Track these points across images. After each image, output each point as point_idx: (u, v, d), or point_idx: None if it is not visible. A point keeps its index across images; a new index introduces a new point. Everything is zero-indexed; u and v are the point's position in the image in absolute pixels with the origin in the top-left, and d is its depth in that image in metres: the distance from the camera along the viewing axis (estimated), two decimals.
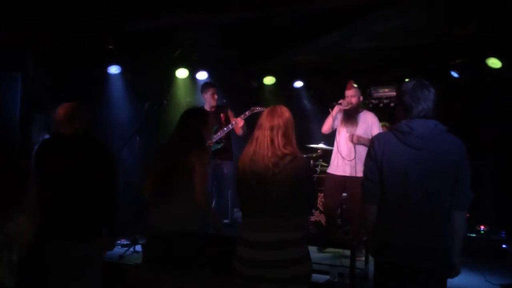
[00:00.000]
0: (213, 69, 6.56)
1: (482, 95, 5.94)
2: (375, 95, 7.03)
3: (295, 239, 2.42)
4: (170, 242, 2.78)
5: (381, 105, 6.89)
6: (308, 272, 2.47)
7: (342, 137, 4.93)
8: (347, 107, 4.88)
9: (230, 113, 5.48)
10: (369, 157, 2.51)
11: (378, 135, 2.59)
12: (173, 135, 3.01)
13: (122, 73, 6.30)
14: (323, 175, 6.71)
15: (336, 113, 4.92)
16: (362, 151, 4.69)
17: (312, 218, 6.35)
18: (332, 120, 4.93)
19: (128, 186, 5.56)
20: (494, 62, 5.40)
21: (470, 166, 2.41)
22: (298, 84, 7.19)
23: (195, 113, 3.10)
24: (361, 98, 5.00)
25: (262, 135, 2.51)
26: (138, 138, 5.37)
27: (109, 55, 5.95)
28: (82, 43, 5.31)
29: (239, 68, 6.84)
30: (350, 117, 4.90)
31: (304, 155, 6.88)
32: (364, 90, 7.12)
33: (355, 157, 4.76)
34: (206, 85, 5.56)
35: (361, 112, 4.97)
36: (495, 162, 5.69)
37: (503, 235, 5.41)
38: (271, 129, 2.50)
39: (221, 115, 5.36)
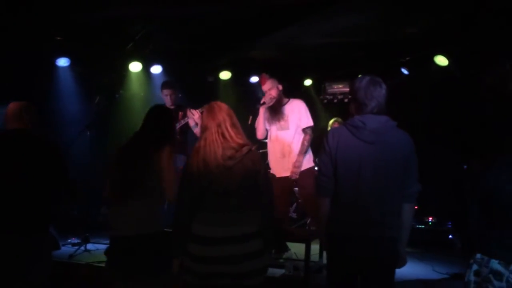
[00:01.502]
0: (168, 63, 6.43)
1: (430, 91, 6.17)
2: (330, 90, 7.15)
3: (253, 232, 2.42)
4: (135, 244, 2.71)
5: (335, 100, 7.03)
6: (264, 266, 2.48)
7: (273, 135, 4.64)
8: (271, 103, 4.53)
9: (188, 113, 5.40)
10: (323, 151, 2.54)
11: (332, 129, 2.63)
12: (137, 132, 2.92)
13: (71, 65, 6.06)
14: None
15: (263, 114, 4.58)
16: (296, 144, 4.52)
17: None
18: (262, 123, 4.61)
19: (78, 183, 5.36)
20: (441, 60, 5.60)
21: (418, 160, 2.50)
22: (254, 79, 7.19)
23: (162, 111, 3.02)
24: (280, 87, 4.58)
25: (211, 133, 2.48)
26: (88, 134, 5.19)
27: (58, 46, 5.70)
28: (28, 34, 5.06)
29: (195, 63, 6.75)
30: (276, 112, 4.58)
31: (261, 151, 6.93)
32: (318, 86, 7.25)
33: (290, 153, 4.54)
34: (163, 85, 5.48)
35: (287, 102, 4.63)
36: (442, 156, 5.92)
37: (450, 226, 5.66)
38: (218, 125, 2.48)
39: (180, 112, 5.27)
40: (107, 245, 2.88)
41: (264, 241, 2.47)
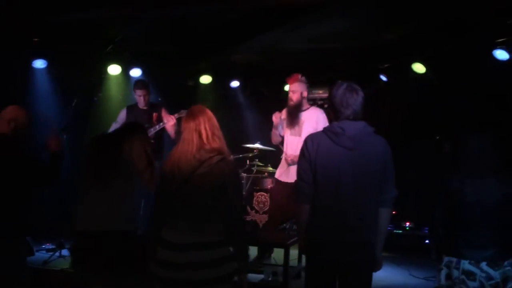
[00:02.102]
0: (147, 66, 6.37)
1: (408, 98, 6.26)
2: (309, 96, 7.17)
3: (216, 241, 2.40)
4: (103, 242, 2.67)
5: (315, 106, 7.06)
6: (228, 273, 2.43)
7: (288, 139, 4.60)
8: (291, 105, 4.46)
9: (163, 112, 5.29)
10: (302, 157, 2.55)
11: (311, 135, 2.64)
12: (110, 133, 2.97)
13: (48, 67, 5.95)
14: (259, 175, 6.77)
15: (278, 120, 4.55)
16: None
17: (248, 218, 6.37)
18: (277, 129, 4.59)
19: (53, 188, 5.26)
20: (418, 67, 5.70)
21: (396, 166, 2.53)
22: (235, 83, 7.18)
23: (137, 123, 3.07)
24: (305, 94, 4.53)
25: (188, 133, 2.47)
26: (65, 137, 5.09)
27: (34, 48, 5.59)
28: (4, 35, 4.95)
29: (175, 66, 6.71)
30: (293, 116, 4.50)
31: (240, 155, 6.89)
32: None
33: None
34: (135, 84, 5.35)
35: (307, 109, 4.58)
36: (419, 162, 6.01)
37: (426, 231, 5.73)
38: (196, 127, 2.47)
39: (154, 114, 5.16)
40: (73, 243, 2.82)
41: (234, 251, 2.45)
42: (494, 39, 4.81)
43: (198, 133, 2.46)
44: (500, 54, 4.80)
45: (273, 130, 4.65)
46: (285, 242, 3.99)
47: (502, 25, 4.64)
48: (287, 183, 4.61)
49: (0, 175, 2.89)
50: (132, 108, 5.31)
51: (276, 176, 4.87)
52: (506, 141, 3.54)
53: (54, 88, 6.09)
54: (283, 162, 4.75)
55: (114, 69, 6.14)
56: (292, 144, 4.53)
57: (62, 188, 5.35)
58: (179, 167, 2.42)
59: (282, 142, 4.71)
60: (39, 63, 5.86)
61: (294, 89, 4.48)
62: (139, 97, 5.23)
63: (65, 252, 4.86)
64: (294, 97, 4.47)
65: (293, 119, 4.50)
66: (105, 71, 6.15)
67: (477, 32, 4.86)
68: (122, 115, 5.28)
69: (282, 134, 4.65)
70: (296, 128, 4.52)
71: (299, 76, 4.54)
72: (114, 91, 6.49)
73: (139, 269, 2.69)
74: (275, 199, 4.96)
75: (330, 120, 2.59)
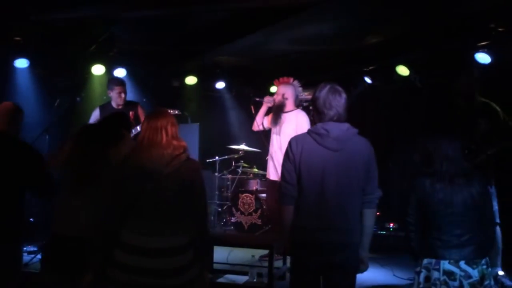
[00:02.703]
0: (132, 66, 6.32)
1: (391, 101, 6.32)
2: None
3: (184, 244, 2.36)
4: (82, 246, 2.58)
5: (300, 108, 7.09)
6: (191, 279, 2.39)
7: (271, 137, 4.81)
8: (269, 104, 4.73)
9: (140, 111, 5.07)
10: (287, 159, 2.55)
11: (296, 137, 2.64)
12: (92, 129, 2.90)
13: (30, 67, 5.86)
14: (244, 176, 6.77)
15: (264, 110, 4.80)
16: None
17: (233, 220, 6.36)
18: (260, 117, 4.80)
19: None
20: (402, 70, 5.76)
21: (379, 167, 2.55)
22: (220, 85, 7.17)
23: (120, 117, 3.01)
24: (286, 96, 4.65)
25: (154, 132, 2.42)
26: (47, 137, 5.02)
27: (16, 47, 5.50)
28: None
29: (160, 67, 6.67)
30: (275, 115, 4.70)
31: (226, 156, 6.87)
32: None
33: (278, 159, 4.65)
34: (112, 81, 5.09)
35: (291, 111, 4.70)
36: (402, 163, 6.07)
37: None
38: (162, 126, 2.43)
39: (130, 112, 4.92)
40: (46, 242, 2.76)
41: (195, 252, 2.42)
42: (476, 42, 4.88)
43: (165, 131, 2.42)
44: (482, 58, 4.87)
45: (259, 115, 4.86)
46: (270, 243, 3.98)
47: (484, 28, 4.72)
48: (271, 180, 4.82)
49: (5, 175, 2.83)
50: (105, 108, 5.03)
51: (267, 176, 5.01)
52: (480, 146, 3.61)
53: (36, 88, 6.00)
54: (269, 161, 4.88)
55: (97, 69, 6.08)
56: (273, 141, 4.79)
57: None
58: (147, 166, 2.35)
59: (264, 138, 4.96)
60: (21, 63, 5.76)
61: (278, 91, 4.74)
62: (118, 94, 4.95)
63: None
64: (276, 98, 4.73)
65: (276, 118, 4.73)
66: (88, 71, 6.08)
67: (459, 36, 4.93)
68: (95, 116, 5.03)
69: (265, 125, 4.87)
70: (278, 127, 4.74)
71: (288, 78, 4.79)
72: (97, 91, 6.41)
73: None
74: (269, 199, 5.11)
75: (314, 122, 2.59)
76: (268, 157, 4.88)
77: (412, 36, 5.15)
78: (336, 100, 2.51)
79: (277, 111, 4.71)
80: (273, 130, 4.78)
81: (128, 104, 5.07)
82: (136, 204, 2.37)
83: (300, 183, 2.49)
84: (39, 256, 4.70)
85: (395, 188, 5.90)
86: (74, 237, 2.59)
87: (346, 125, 2.52)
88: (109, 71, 6.23)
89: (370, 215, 2.53)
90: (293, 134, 4.47)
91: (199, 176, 2.47)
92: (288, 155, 2.54)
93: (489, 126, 3.72)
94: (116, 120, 2.93)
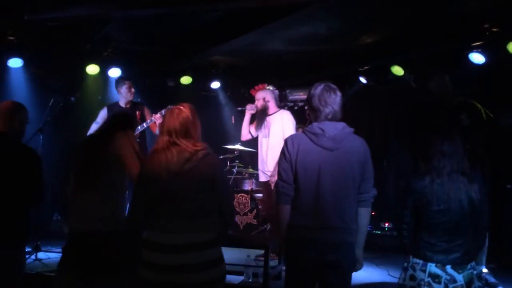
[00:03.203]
0: (127, 66, 6.30)
1: (386, 100, 6.35)
2: (291, 97, 7.23)
3: (210, 240, 2.36)
4: (95, 243, 2.64)
5: (296, 107, 7.11)
6: (222, 275, 2.42)
7: (259, 141, 4.91)
8: (252, 111, 4.80)
9: (146, 111, 5.25)
10: (283, 158, 2.55)
11: (292, 136, 2.64)
12: (96, 131, 2.95)
13: (24, 66, 5.82)
14: (239, 176, 6.76)
15: (247, 119, 4.87)
16: (275, 152, 4.61)
17: None
18: (246, 127, 4.90)
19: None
20: (397, 70, 5.78)
21: (375, 167, 2.56)
22: (215, 84, 7.16)
23: (124, 116, 3.04)
24: (267, 99, 4.80)
25: (163, 139, 2.42)
26: (41, 137, 4.99)
27: (10, 47, 5.46)
28: None
29: (155, 67, 6.65)
30: (261, 120, 4.84)
31: (221, 156, 6.87)
32: (280, 93, 7.30)
33: (268, 160, 4.74)
34: (121, 79, 5.31)
35: (276, 112, 4.82)
36: (397, 163, 6.10)
37: None
38: (169, 133, 2.41)
39: (137, 112, 5.12)
40: (66, 243, 2.78)
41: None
42: (471, 42, 4.91)
43: (175, 140, 2.40)
44: (476, 58, 4.90)
45: (244, 125, 4.93)
46: (266, 243, 3.98)
47: (478, 29, 4.74)
48: (263, 182, 4.92)
49: (5, 179, 2.77)
50: (113, 107, 5.21)
51: (260, 179, 5.06)
52: (476, 145, 3.63)
53: (30, 87, 5.97)
54: (258, 160, 4.98)
55: (92, 69, 6.05)
56: (262, 145, 4.86)
57: None
58: (167, 164, 2.36)
59: (254, 141, 5.03)
60: (15, 62, 5.73)
61: (257, 96, 4.86)
62: (128, 89, 5.11)
63: (41, 255, 4.76)
64: (258, 104, 4.84)
65: (261, 122, 4.85)
66: (83, 71, 6.05)
67: (454, 36, 4.95)
68: (102, 115, 5.18)
69: (253, 133, 4.95)
70: (265, 130, 4.83)
71: (260, 85, 4.94)
72: (92, 91, 6.39)
73: (124, 269, 2.66)
74: (264, 201, 5.21)
75: (310, 121, 2.60)
76: (259, 160, 4.95)
77: (407, 37, 5.17)
78: (331, 98, 2.52)
79: (261, 116, 4.84)
80: (261, 134, 4.88)
81: (134, 105, 5.26)
82: (158, 203, 2.37)
83: (296, 182, 2.50)
84: (33, 257, 4.69)
85: (390, 188, 5.93)
86: (89, 231, 2.64)
87: (341, 124, 2.53)
88: (104, 70, 6.21)
89: (365, 214, 2.54)
90: (281, 134, 4.62)
91: (220, 171, 2.47)
92: (284, 154, 2.55)
93: (470, 121, 3.75)
94: (117, 120, 2.94)
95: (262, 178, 4.91)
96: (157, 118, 4.97)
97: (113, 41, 5.70)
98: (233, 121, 5.05)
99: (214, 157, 2.48)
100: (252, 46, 5.74)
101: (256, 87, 4.92)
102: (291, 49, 5.89)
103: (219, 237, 2.42)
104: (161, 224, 2.36)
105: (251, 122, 4.96)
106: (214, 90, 7.36)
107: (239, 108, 5.01)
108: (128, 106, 5.19)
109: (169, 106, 5.00)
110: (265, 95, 4.83)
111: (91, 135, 2.94)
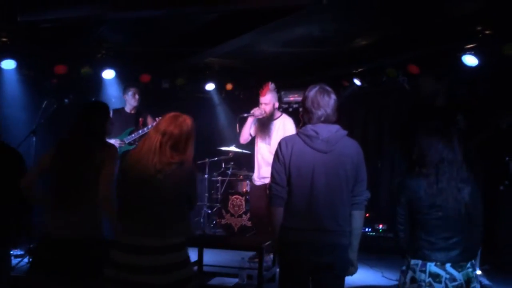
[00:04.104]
0: (120, 68, 6.28)
1: (381, 102, 6.36)
2: (285, 99, 7.22)
3: (177, 243, 2.38)
4: (72, 249, 2.60)
5: (290, 109, 7.10)
6: (189, 276, 2.42)
7: (257, 145, 4.78)
8: (260, 117, 4.59)
9: (149, 119, 5.39)
10: (277, 160, 2.55)
11: (285, 138, 2.64)
12: (74, 131, 2.81)
13: (17, 68, 5.79)
14: (234, 178, 6.76)
15: (250, 123, 4.66)
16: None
17: (223, 222, 6.34)
18: (248, 131, 4.69)
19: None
20: (392, 72, 5.79)
21: (369, 169, 2.56)
22: (210, 86, 7.15)
23: (98, 107, 2.94)
24: (277, 105, 4.66)
25: (154, 137, 2.40)
26: (34, 139, 4.96)
27: (3, 48, 5.43)
28: None
29: (149, 68, 6.63)
30: (264, 127, 4.64)
31: (216, 158, 6.84)
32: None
33: (267, 165, 4.60)
34: (127, 85, 5.53)
35: (278, 117, 4.67)
36: (391, 164, 6.10)
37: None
38: (163, 134, 2.39)
39: (140, 119, 5.31)
40: (37, 245, 2.73)
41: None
42: (464, 45, 4.93)
43: (160, 145, 2.38)
44: (469, 60, 4.92)
45: (245, 129, 4.71)
46: (260, 245, 3.98)
47: (471, 31, 4.77)
48: (258, 185, 4.82)
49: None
50: (118, 112, 5.38)
51: (253, 179, 5.02)
52: (471, 146, 3.65)
53: (23, 89, 5.94)
54: (255, 164, 4.89)
55: (86, 70, 6.02)
56: (263, 151, 4.71)
57: None
58: (141, 166, 2.36)
59: (252, 143, 4.88)
60: (8, 64, 5.69)
61: (267, 101, 4.55)
62: (133, 95, 5.34)
63: None
64: (267, 108, 4.56)
65: (265, 128, 4.64)
66: (77, 72, 6.02)
67: (447, 38, 4.97)
68: None
69: (253, 134, 4.77)
70: (267, 137, 4.67)
71: (270, 85, 4.61)
72: (86, 92, 6.36)
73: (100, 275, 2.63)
74: (253, 201, 5.11)
75: (304, 123, 2.60)
76: (256, 164, 4.84)
77: (401, 39, 5.19)
78: (325, 100, 2.52)
79: (267, 121, 4.63)
80: (261, 138, 4.70)
81: (140, 111, 5.43)
82: (131, 206, 2.38)
83: (289, 184, 2.50)
84: (25, 260, 4.65)
85: (384, 189, 5.94)
86: (68, 239, 2.60)
87: (335, 127, 2.53)
88: (98, 72, 6.19)
89: (359, 217, 2.54)
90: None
91: (190, 181, 2.47)
92: (278, 157, 2.55)
93: (466, 122, 3.77)
94: (95, 113, 2.85)
95: (258, 182, 4.83)
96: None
97: (107, 43, 5.68)
98: (237, 130, 4.74)
99: (188, 168, 2.45)
100: (247, 48, 5.73)
101: (265, 88, 4.58)
102: (285, 51, 5.89)
103: (187, 241, 2.44)
104: (128, 225, 2.38)
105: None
106: (209, 92, 7.35)
107: (245, 115, 4.69)
108: (132, 112, 5.38)
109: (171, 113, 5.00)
110: (274, 99, 4.60)
111: (71, 140, 2.81)
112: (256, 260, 4.11)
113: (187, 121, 2.47)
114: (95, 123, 2.81)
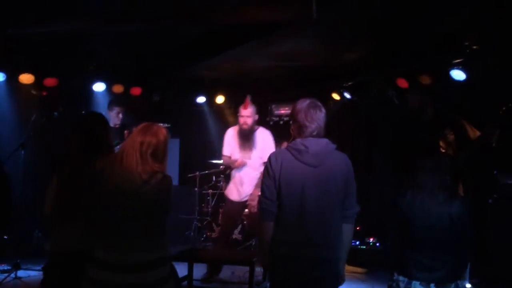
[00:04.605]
0: (111, 81, 6.27)
1: (371, 116, 6.40)
2: (276, 112, 7.26)
3: (158, 258, 2.33)
4: (79, 262, 2.52)
5: (281, 122, 7.13)
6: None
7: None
8: (243, 129, 4.56)
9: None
10: (266, 174, 2.55)
11: (275, 153, 2.65)
12: (75, 143, 2.75)
13: (7, 80, 5.76)
14: (224, 191, 6.72)
15: (231, 139, 4.65)
16: (255, 174, 4.59)
17: (213, 235, 6.30)
18: (228, 149, 4.69)
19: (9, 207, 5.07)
20: (381, 86, 5.83)
21: (358, 182, 2.57)
22: (201, 99, 7.16)
23: (96, 118, 2.87)
24: (257, 117, 4.64)
25: (132, 147, 2.36)
26: (23, 152, 4.91)
27: None
28: None
29: (139, 82, 6.63)
30: (245, 139, 4.60)
31: (206, 171, 6.81)
32: (265, 107, 7.34)
33: (248, 182, 4.64)
34: (112, 103, 5.54)
35: (256, 130, 4.67)
36: (381, 178, 6.12)
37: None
38: (141, 143, 2.36)
39: (125, 132, 5.23)
40: (47, 262, 2.69)
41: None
42: (452, 59, 5.00)
43: (141, 155, 2.35)
44: (457, 75, 4.98)
45: (226, 157, 4.79)
46: (250, 259, 3.95)
47: (458, 46, 4.84)
48: (232, 201, 4.77)
49: None
50: None
51: (226, 194, 4.96)
52: (459, 159, 3.68)
53: (12, 102, 5.90)
54: (232, 179, 4.83)
55: (76, 83, 6.00)
56: (245, 167, 4.65)
57: (17, 207, 5.15)
58: (122, 180, 2.32)
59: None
60: None
61: (249, 113, 4.55)
62: (116, 114, 5.37)
63: (21, 273, 4.65)
64: (249, 121, 4.55)
65: (246, 142, 4.61)
66: (66, 85, 6.00)
67: (435, 53, 5.04)
68: None
69: (229, 153, 4.78)
70: (248, 151, 4.63)
71: (249, 98, 4.62)
72: (76, 105, 6.33)
73: None
74: (226, 216, 5.07)
75: (294, 137, 2.61)
76: (237, 180, 4.76)
77: (390, 53, 5.25)
78: (317, 114, 2.54)
79: (249, 135, 4.60)
80: (242, 154, 4.64)
81: (124, 125, 5.43)
82: (109, 221, 2.33)
83: (279, 199, 2.50)
84: (12, 275, 4.58)
85: (374, 203, 5.94)
86: (69, 251, 2.57)
87: (325, 141, 2.54)
88: (88, 85, 6.17)
89: (348, 230, 2.55)
90: (260, 153, 4.55)
91: (170, 194, 2.43)
92: (267, 171, 2.55)
93: (455, 136, 3.80)
94: (96, 125, 2.80)
95: (235, 197, 4.75)
96: None
97: (98, 56, 5.68)
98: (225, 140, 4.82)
99: (169, 181, 2.43)
100: (237, 62, 5.77)
101: (246, 101, 4.59)
102: (276, 64, 5.93)
103: (168, 257, 2.41)
104: (107, 241, 2.32)
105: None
106: (200, 105, 7.36)
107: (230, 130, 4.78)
108: (117, 126, 5.35)
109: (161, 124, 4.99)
110: (254, 112, 4.59)
111: (73, 153, 2.77)
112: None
113: (161, 129, 2.46)
114: (98, 136, 2.74)
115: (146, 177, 2.33)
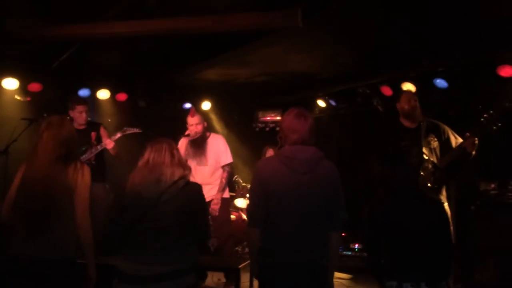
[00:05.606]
0: (96, 86, 6.23)
1: (357, 123, 6.47)
2: (262, 119, 7.29)
3: (184, 268, 2.34)
4: (46, 273, 2.52)
5: (267, 129, 7.17)
6: None
7: (196, 170, 4.61)
8: (195, 137, 4.58)
9: (103, 131, 4.96)
10: (255, 181, 2.56)
11: (264, 159, 2.69)
12: (40, 150, 2.68)
13: None
14: (233, 194, 6.68)
15: (184, 147, 4.60)
16: (214, 179, 4.61)
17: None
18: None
19: None
20: (366, 93, 5.91)
21: (345, 189, 2.60)
22: (188, 105, 7.14)
23: (62, 123, 2.77)
24: (205, 124, 4.71)
25: (159, 155, 2.41)
26: (6, 158, 4.83)
27: None
28: None
29: (126, 87, 6.60)
30: (198, 147, 4.62)
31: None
32: (251, 114, 7.36)
33: (207, 188, 4.54)
34: (73, 100, 4.94)
35: (208, 137, 4.71)
36: (367, 185, 6.17)
37: None
38: (168, 148, 2.43)
39: (92, 133, 4.81)
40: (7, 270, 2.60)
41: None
42: (435, 68, 5.10)
43: (171, 154, 2.40)
44: (440, 83, 5.08)
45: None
46: (237, 266, 3.95)
47: (442, 54, 4.94)
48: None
49: None
50: None
51: None
52: (442, 166, 3.74)
53: None
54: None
55: (61, 89, 5.94)
56: (202, 173, 4.63)
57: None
58: (145, 193, 2.32)
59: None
60: None
61: (197, 121, 4.60)
62: (80, 114, 4.83)
63: None
64: (198, 128, 4.59)
65: (198, 149, 4.61)
66: (51, 91, 5.94)
67: (419, 61, 5.14)
68: None
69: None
70: (202, 158, 4.63)
71: (192, 109, 4.72)
72: (60, 111, 6.25)
73: None
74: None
75: (281, 145, 2.64)
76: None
77: (375, 61, 5.32)
78: (300, 125, 2.57)
79: (201, 142, 4.62)
80: (198, 162, 4.62)
81: (91, 125, 4.98)
82: (130, 232, 2.32)
83: (268, 205, 2.51)
84: None
85: (360, 209, 5.98)
86: (39, 260, 2.51)
87: (312, 149, 2.57)
88: (75, 90, 6.12)
89: (336, 237, 2.58)
90: (217, 158, 4.56)
91: (200, 201, 2.45)
92: (256, 178, 2.56)
93: (438, 143, 3.87)
94: (61, 129, 2.72)
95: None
96: (109, 143, 4.70)
97: (86, 62, 5.64)
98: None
99: (195, 187, 2.44)
100: (223, 68, 5.79)
101: (192, 110, 4.66)
102: (261, 72, 5.96)
103: (194, 265, 2.40)
104: (132, 254, 2.31)
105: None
106: (186, 111, 7.32)
107: (185, 135, 4.65)
108: (82, 127, 4.86)
109: (125, 128, 4.81)
110: (203, 120, 4.66)
111: (40, 160, 2.66)
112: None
113: (172, 145, 2.54)
114: (63, 140, 2.67)
115: (167, 186, 2.33)
